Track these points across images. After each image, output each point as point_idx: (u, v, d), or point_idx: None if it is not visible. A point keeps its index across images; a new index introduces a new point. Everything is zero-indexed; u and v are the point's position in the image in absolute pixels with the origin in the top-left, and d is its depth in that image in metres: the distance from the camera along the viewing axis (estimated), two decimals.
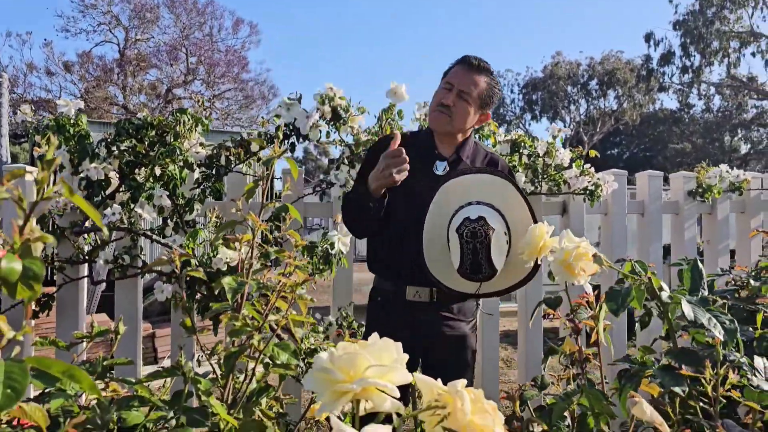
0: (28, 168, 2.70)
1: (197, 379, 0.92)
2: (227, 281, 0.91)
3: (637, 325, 1.49)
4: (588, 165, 2.95)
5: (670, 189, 3.56)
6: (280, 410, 0.97)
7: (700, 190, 3.42)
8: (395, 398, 0.63)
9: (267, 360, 0.94)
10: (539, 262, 1.46)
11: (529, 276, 1.86)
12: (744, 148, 32.53)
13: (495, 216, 1.76)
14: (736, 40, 27.62)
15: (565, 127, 3.35)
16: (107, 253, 2.62)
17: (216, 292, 2.24)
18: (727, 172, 3.42)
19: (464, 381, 0.63)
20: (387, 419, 0.66)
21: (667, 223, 3.51)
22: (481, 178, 1.86)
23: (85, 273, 2.74)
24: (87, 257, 2.61)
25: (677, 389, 0.87)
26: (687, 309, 0.95)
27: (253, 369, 0.93)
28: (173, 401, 0.93)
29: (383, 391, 0.62)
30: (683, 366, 0.91)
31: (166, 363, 4.39)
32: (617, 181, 3.00)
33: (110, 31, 20.49)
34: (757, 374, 1.09)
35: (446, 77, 1.98)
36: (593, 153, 3.17)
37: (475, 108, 1.96)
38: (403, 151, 1.76)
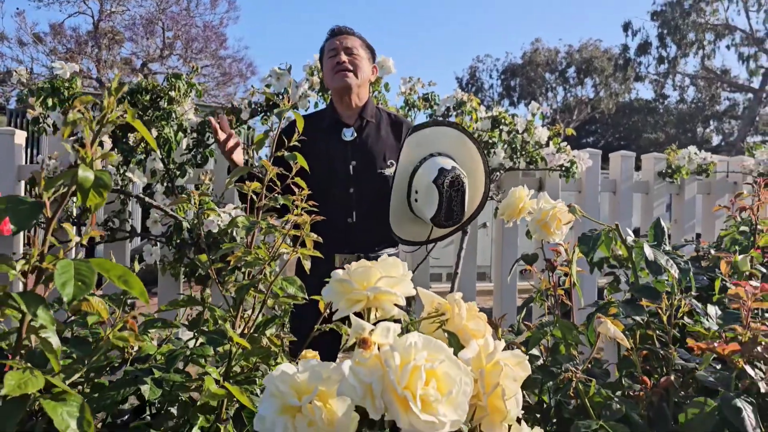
0: (18, 132, 2.74)
1: (213, 306, 1.02)
2: (241, 220, 1.01)
3: (607, 287, 1.63)
4: (565, 143, 3.08)
5: (642, 170, 3.72)
6: (284, 342, 1.07)
7: (669, 171, 3.58)
8: (401, 307, 0.74)
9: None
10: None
11: (469, 219, 2.11)
12: (716, 140, 33.19)
13: (456, 164, 1.95)
14: (711, 33, 28.05)
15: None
16: (99, 216, 2.68)
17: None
18: (696, 153, 3.58)
19: (459, 293, 0.74)
20: None
21: (637, 208, 3.68)
22: (435, 131, 2.04)
23: (74, 236, 2.79)
24: (76, 220, 2.66)
25: (637, 318, 1.00)
26: (648, 251, 1.07)
27: (263, 301, 1.03)
28: (193, 324, 1.02)
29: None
30: (643, 300, 1.04)
31: None
32: (592, 159, 3.14)
33: (84, 2, 20.05)
34: (709, 319, 1.23)
35: (327, 51, 2.15)
36: (570, 132, 3.30)
37: (365, 57, 2.14)
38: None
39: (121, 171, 2.48)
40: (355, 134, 2.10)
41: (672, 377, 1.00)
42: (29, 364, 0.63)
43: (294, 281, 1.03)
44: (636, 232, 4.26)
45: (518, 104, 33.06)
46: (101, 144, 2.43)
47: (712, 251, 2.22)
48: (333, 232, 2.04)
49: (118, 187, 2.48)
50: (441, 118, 2.88)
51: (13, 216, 0.59)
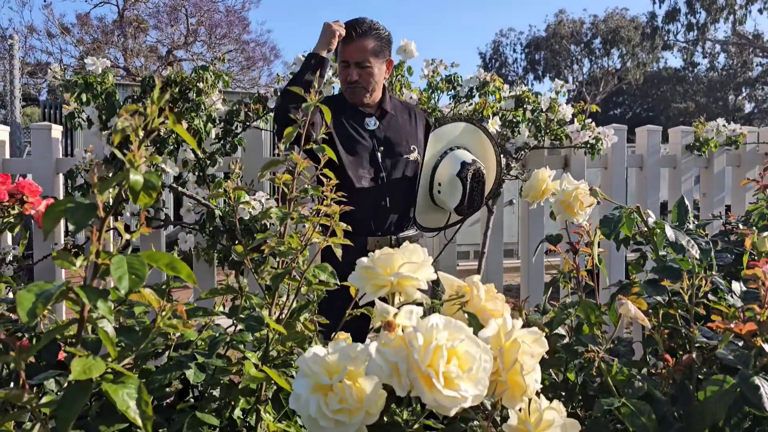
0: (54, 126, 2.84)
1: (249, 294, 1.08)
2: (274, 211, 1.06)
3: (631, 265, 1.65)
4: (590, 120, 3.07)
5: (669, 143, 3.68)
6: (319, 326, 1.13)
7: (697, 144, 3.54)
8: (423, 291, 0.79)
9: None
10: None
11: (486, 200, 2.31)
12: (748, 107, 32.33)
13: (474, 156, 2.15)
14: None
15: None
16: (132, 206, 2.77)
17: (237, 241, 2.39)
18: (724, 126, 3.54)
19: (479, 276, 0.79)
20: None
21: (665, 182, 3.65)
22: (452, 126, 2.24)
23: (111, 226, 2.90)
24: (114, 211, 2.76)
25: (659, 297, 1.03)
26: (669, 232, 1.10)
27: (297, 288, 1.08)
28: (232, 312, 1.09)
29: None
30: (665, 280, 1.07)
31: None
32: (617, 134, 3.12)
33: None
34: (733, 295, 1.25)
35: (340, 57, 2.17)
36: (595, 108, 3.29)
37: (377, 64, 2.16)
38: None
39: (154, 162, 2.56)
40: (378, 123, 2.16)
41: (694, 355, 1.03)
42: (89, 352, 0.69)
43: (325, 268, 1.09)
44: (664, 206, 4.23)
45: (543, 78, 32.60)
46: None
47: (741, 225, 2.22)
48: (366, 217, 2.14)
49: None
50: (464, 99, 2.90)
51: (71, 217, 0.65)
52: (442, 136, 2.20)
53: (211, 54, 20.20)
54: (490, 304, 0.76)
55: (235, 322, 1.07)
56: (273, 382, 1.03)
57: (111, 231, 2.98)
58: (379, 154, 2.14)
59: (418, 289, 0.77)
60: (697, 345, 1.11)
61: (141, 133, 0.65)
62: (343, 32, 2.08)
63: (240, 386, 1.07)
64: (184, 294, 4.55)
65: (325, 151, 1.12)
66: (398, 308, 0.78)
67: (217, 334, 1.14)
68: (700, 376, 1.08)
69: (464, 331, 0.63)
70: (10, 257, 2.48)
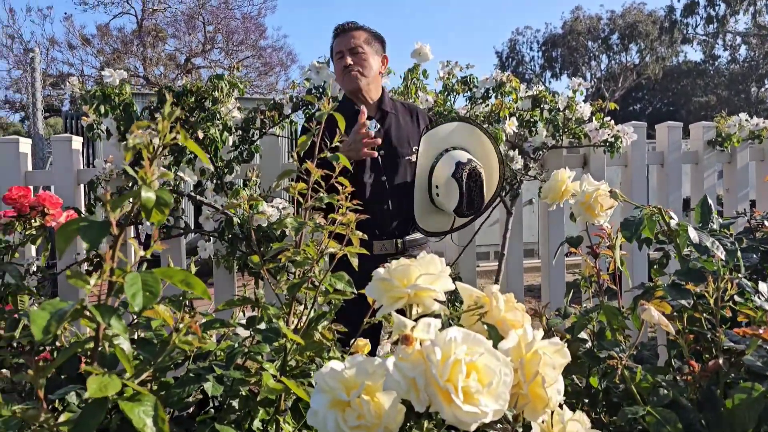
0: (75, 138, 2.87)
1: (266, 306, 1.08)
2: (289, 221, 1.06)
3: (654, 268, 1.62)
4: (608, 118, 3.03)
5: (690, 139, 3.62)
6: (337, 334, 1.12)
7: (719, 140, 3.47)
8: (442, 302, 0.77)
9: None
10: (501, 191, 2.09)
11: (486, 206, 2.21)
12: None
13: (472, 156, 2.08)
14: None
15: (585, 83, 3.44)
16: None
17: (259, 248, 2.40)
18: (747, 120, 3.47)
19: (498, 285, 0.77)
20: None
21: (687, 178, 3.59)
22: (446, 127, 2.17)
23: (132, 234, 2.92)
24: (133, 219, 2.78)
25: (683, 302, 1.00)
26: (692, 234, 1.07)
27: (314, 297, 1.08)
28: (249, 323, 1.09)
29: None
30: (690, 283, 1.04)
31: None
32: (636, 132, 3.07)
33: (127, 2, 20.53)
34: (760, 297, 1.21)
35: (334, 54, 2.22)
36: (613, 106, 3.24)
37: (371, 53, 2.20)
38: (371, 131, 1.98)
39: (173, 170, 2.58)
40: (378, 125, 2.16)
41: (721, 360, 1.00)
42: (105, 369, 0.69)
43: (342, 277, 1.08)
44: (686, 202, 4.15)
45: (560, 75, 32.37)
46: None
47: (766, 222, 2.17)
48: (369, 221, 2.12)
49: (171, 187, 2.58)
50: (480, 100, 2.87)
51: (85, 236, 0.65)
52: (438, 137, 2.14)
53: (228, 60, 20.39)
54: (509, 314, 0.74)
55: (252, 333, 1.06)
56: (292, 392, 1.02)
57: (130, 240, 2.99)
58: (379, 157, 2.13)
59: (436, 300, 0.76)
60: (723, 349, 1.08)
61: (152, 150, 0.65)
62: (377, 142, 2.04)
63: (259, 397, 1.07)
64: (203, 302, 4.57)
65: (339, 159, 1.11)
66: (416, 320, 0.77)
67: (235, 345, 1.14)
68: (727, 381, 1.05)
69: (484, 345, 0.61)
70: (33, 268, 2.51)
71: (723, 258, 1.05)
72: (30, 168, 2.90)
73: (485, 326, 0.74)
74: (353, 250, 1.03)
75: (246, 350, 1.07)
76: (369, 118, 2.17)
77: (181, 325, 0.77)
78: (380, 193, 2.13)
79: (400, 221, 2.16)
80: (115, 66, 19.28)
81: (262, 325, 1.05)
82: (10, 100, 22.72)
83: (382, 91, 2.24)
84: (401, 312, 0.73)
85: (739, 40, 30.27)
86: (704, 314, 1.06)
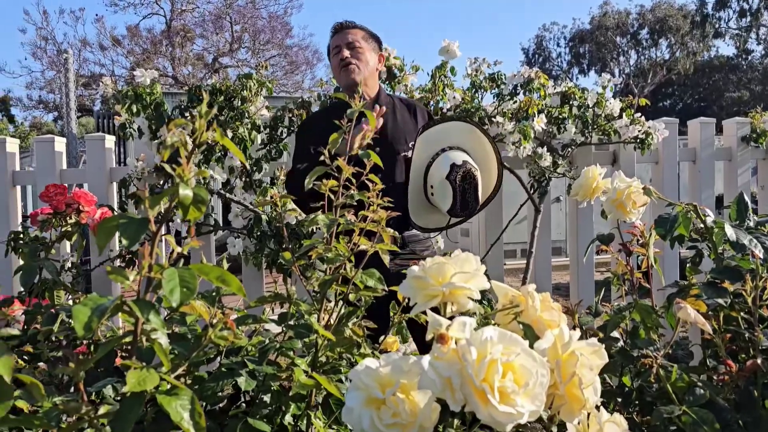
0: (107, 136, 2.93)
1: (297, 302, 1.08)
2: (321, 218, 1.06)
3: (688, 266, 1.59)
4: (638, 114, 2.98)
5: (723, 135, 3.55)
6: (367, 330, 1.12)
7: (754, 135, 3.39)
8: (476, 301, 0.77)
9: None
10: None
11: (486, 202, 2.22)
12: None
13: (468, 157, 2.07)
14: None
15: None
16: None
17: (287, 245, 2.42)
18: None
19: (533, 284, 0.77)
20: None
21: (720, 175, 3.51)
22: (445, 126, 2.15)
23: (163, 231, 2.97)
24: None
25: (720, 300, 0.98)
26: (729, 231, 1.05)
27: (345, 294, 1.08)
28: (280, 319, 1.10)
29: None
30: (726, 281, 1.02)
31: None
32: (668, 128, 3.02)
33: (156, 3, 20.83)
34: None
35: (331, 50, 2.25)
36: (644, 102, 3.19)
37: (368, 48, 2.22)
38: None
39: (202, 168, 2.61)
40: None
41: (759, 360, 0.98)
42: (144, 363, 0.71)
43: (373, 274, 1.08)
44: (719, 200, 4.07)
45: (588, 72, 31.96)
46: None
47: None
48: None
49: (201, 185, 2.61)
50: (507, 97, 2.85)
51: (124, 232, 0.66)
52: (436, 136, 2.12)
53: (255, 59, 20.57)
54: (546, 314, 0.73)
55: (284, 329, 1.07)
56: (323, 388, 1.03)
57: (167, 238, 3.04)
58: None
59: (471, 299, 0.75)
60: (762, 349, 1.06)
61: (189, 147, 0.66)
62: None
63: (290, 393, 1.08)
64: (235, 297, 4.63)
65: (370, 156, 1.11)
66: (450, 319, 0.77)
67: (267, 340, 1.15)
68: (765, 381, 1.03)
69: (520, 345, 0.61)
70: (69, 264, 2.56)
71: (761, 256, 1.03)
72: (65, 166, 2.96)
73: (521, 326, 0.74)
74: (385, 247, 1.04)
75: (278, 346, 1.08)
76: (363, 115, 2.17)
77: (215, 321, 0.78)
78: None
79: (397, 217, 2.15)
80: (145, 66, 19.58)
81: (294, 322, 1.06)
82: (44, 100, 23.26)
83: (379, 91, 2.25)
84: (436, 310, 0.73)
85: None
86: (741, 313, 1.04)
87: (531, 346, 0.64)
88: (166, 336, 0.71)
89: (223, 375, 1.04)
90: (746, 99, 29.04)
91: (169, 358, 0.73)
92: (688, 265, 1.60)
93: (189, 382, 1.09)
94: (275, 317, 1.16)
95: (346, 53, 2.17)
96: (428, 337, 0.66)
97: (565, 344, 0.66)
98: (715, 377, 1.04)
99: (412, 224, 2.16)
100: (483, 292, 0.87)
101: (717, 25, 28.97)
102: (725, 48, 43.67)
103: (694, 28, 29.03)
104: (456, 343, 0.62)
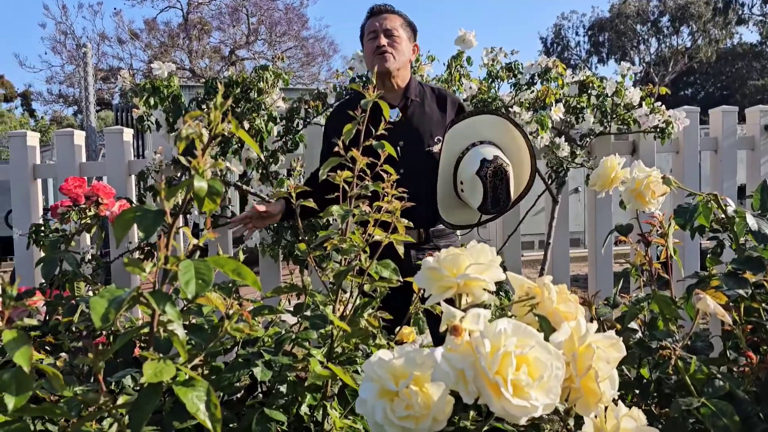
0: (125, 129, 2.95)
1: (313, 293, 1.09)
2: (336, 209, 1.06)
3: (708, 257, 1.56)
4: (659, 103, 2.94)
5: (746, 124, 3.48)
6: (382, 321, 1.12)
7: None
8: (491, 292, 0.76)
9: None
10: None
11: (519, 198, 2.14)
12: None
13: (499, 151, 2.00)
14: None
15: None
16: None
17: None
18: None
19: (550, 276, 0.76)
20: None
21: (742, 165, 3.45)
22: (474, 120, 2.07)
23: (181, 224, 2.99)
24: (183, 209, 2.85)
25: (741, 291, 0.97)
26: (751, 221, 1.03)
27: (360, 285, 1.08)
28: (296, 310, 1.10)
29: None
30: (748, 272, 1.00)
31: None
32: (689, 117, 2.97)
33: None
34: None
35: (366, 33, 2.16)
36: (664, 91, 3.14)
37: (405, 37, 2.14)
38: None
39: (219, 160, 2.62)
40: (400, 114, 2.11)
41: None
42: (161, 354, 0.71)
43: (388, 265, 1.08)
44: (741, 190, 3.99)
45: (608, 60, 31.54)
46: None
47: None
48: None
49: (218, 177, 2.63)
50: (525, 86, 2.82)
51: (141, 224, 0.67)
52: (466, 130, 2.05)
53: (272, 52, 20.61)
54: (562, 306, 0.73)
55: (300, 319, 1.08)
56: (338, 378, 1.03)
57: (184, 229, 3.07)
58: (398, 147, 2.05)
59: (486, 291, 0.75)
60: None
61: (205, 139, 0.66)
62: None
63: (306, 383, 1.08)
64: (252, 288, 4.66)
65: (384, 147, 1.10)
66: (464, 310, 0.76)
67: (283, 331, 1.16)
68: None
69: (534, 337, 0.60)
70: (89, 256, 2.60)
71: None
72: (84, 159, 3.00)
73: (536, 318, 0.73)
74: (399, 237, 1.03)
75: (294, 336, 1.08)
76: (392, 106, 2.11)
77: (231, 312, 0.78)
78: (396, 182, 2.09)
79: (421, 212, 2.11)
80: (162, 59, 19.68)
81: (309, 312, 1.06)
82: (64, 94, 23.53)
83: (410, 81, 2.20)
84: (450, 302, 0.73)
85: None
86: (763, 304, 1.02)
87: (547, 338, 0.63)
88: (182, 327, 0.71)
89: (240, 365, 1.04)
90: None
91: (185, 349, 0.73)
92: (708, 255, 1.57)
93: (206, 372, 1.10)
94: (291, 308, 1.16)
95: (384, 41, 2.10)
96: (442, 328, 0.66)
97: (581, 337, 0.65)
98: (735, 369, 1.03)
99: (441, 221, 2.13)
100: (501, 284, 0.86)
101: (740, 12, 28.41)
102: (749, 35, 42.79)
103: (717, 15, 28.49)
104: (470, 335, 0.62)
